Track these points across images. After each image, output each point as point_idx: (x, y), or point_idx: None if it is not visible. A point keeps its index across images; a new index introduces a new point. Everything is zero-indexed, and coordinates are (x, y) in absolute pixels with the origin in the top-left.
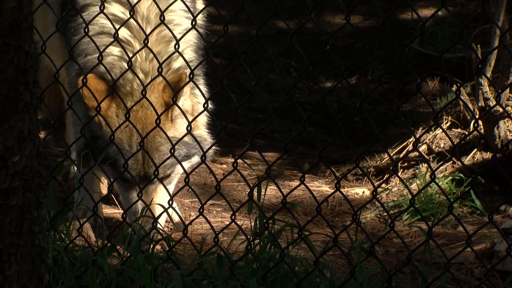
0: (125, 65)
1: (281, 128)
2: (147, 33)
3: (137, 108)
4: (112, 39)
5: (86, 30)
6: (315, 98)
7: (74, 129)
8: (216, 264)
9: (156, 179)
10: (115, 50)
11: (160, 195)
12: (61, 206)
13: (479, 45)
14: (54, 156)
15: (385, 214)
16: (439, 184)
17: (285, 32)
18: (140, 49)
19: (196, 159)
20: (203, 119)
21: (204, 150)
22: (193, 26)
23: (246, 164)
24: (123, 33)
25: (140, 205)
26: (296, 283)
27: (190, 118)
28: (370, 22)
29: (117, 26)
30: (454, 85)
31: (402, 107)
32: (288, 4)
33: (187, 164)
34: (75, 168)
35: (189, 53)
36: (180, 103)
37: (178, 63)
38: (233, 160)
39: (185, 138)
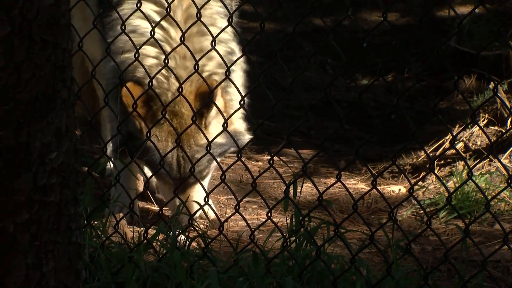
0: (163, 71)
1: (317, 125)
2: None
3: (171, 117)
4: (143, 40)
5: (123, 27)
6: (352, 95)
7: (110, 124)
8: (252, 262)
9: (191, 178)
10: (152, 52)
11: (196, 192)
12: (98, 203)
13: None
14: (91, 153)
15: (422, 211)
16: (476, 181)
17: (322, 29)
18: (175, 47)
19: (232, 149)
20: (237, 113)
21: (241, 143)
22: (230, 23)
23: (282, 162)
24: (157, 35)
25: (177, 201)
26: (332, 280)
27: (225, 114)
28: (407, 19)
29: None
30: (491, 83)
31: (439, 105)
32: (324, 1)
33: (219, 159)
34: (112, 165)
35: (214, 62)
36: (214, 107)
37: (209, 66)
38: (269, 157)
39: (219, 139)
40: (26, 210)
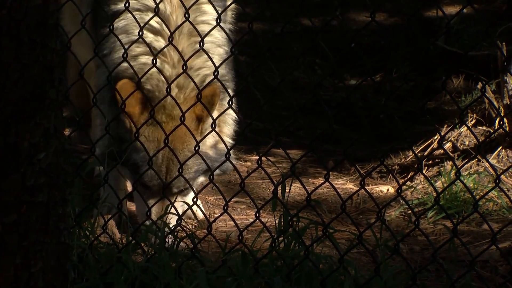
0: (163, 78)
1: (305, 125)
2: (180, 44)
3: (167, 120)
4: (145, 48)
5: (112, 27)
6: (340, 95)
7: (100, 127)
8: (241, 262)
9: (174, 190)
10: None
11: (177, 204)
12: (86, 203)
13: (504, 43)
14: (79, 153)
15: (410, 211)
16: (464, 181)
17: (310, 29)
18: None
19: (217, 172)
20: (229, 130)
21: (224, 165)
22: (218, 23)
23: (270, 162)
24: (160, 43)
25: (154, 211)
26: (320, 280)
27: (217, 129)
28: (395, 19)
29: (151, 35)
30: (479, 83)
31: (427, 105)
32: (313, 2)
33: (204, 177)
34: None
35: (222, 67)
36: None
37: (211, 76)
38: (257, 157)
39: (209, 152)
40: (14, 210)
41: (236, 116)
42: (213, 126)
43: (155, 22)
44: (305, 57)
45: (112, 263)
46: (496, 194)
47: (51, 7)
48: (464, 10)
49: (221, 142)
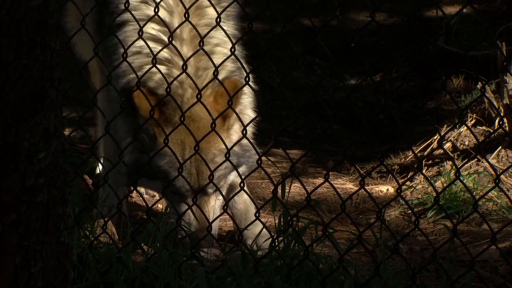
0: (174, 82)
1: (305, 125)
2: (183, 50)
3: (188, 122)
4: (149, 59)
5: (125, 54)
6: (340, 95)
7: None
8: (240, 262)
9: (209, 191)
10: (162, 68)
11: (215, 204)
12: (86, 203)
13: (504, 43)
14: (79, 153)
15: (410, 211)
16: (464, 181)
17: (310, 29)
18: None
19: (243, 168)
20: (249, 128)
21: (250, 158)
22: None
23: (270, 162)
24: (163, 53)
25: (192, 215)
26: (320, 280)
27: (239, 126)
28: (395, 19)
29: (153, 45)
30: (479, 83)
31: (427, 105)
32: (313, 2)
33: (234, 175)
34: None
35: (230, 63)
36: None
37: (223, 74)
38: (257, 157)
39: (235, 148)
40: (14, 210)
41: (253, 116)
42: (213, 126)
43: (155, 31)
44: (305, 57)
45: (112, 263)
46: (495, 194)
47: (51, 7)
48: (464, 10)
49: (244, 139)
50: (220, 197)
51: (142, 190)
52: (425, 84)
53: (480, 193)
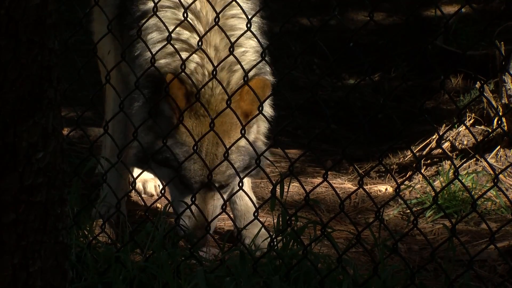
0: (206, 72)
1: (304, 125)
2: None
3: (213, 115)
4: (180, 45)
5: (168, 38)
6: (338, 95)
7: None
8: (239, 261)
9: (215, 185)
10: (195, 57)
11: (216, 203)
12: (85, 202)
13: (502, 42)
14: (79, 153)
15: (408, 211)
16: (462, 181)
17: (309, 29)
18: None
19: (253, 172)
20: (263, 128)
21: (260, 162)
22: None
23: (269, 161)
24: (195, 40)
25: (194, 209)
26: (319, 280)
27: (256, 126)
28: (393, 19)
29: (185, 31)
30: (478, 82)
31: (425, 104)
32: (311, 1)
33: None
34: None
35: (256, 58)
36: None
37: (251, 71)
38: (268, 161)
39: (250, 148)
40: (12, 210)
41: (272, 114)
42: (243, 133)
43: (187, 19)
44: (304, 56)
45: (110, 263)
46: (494, 193)
47: (49, 6)
48: (463, 10)
49: (258, 140)
50: (225, 197)
51: (140, 189)
52: (423, 83)
53: (479, 193)
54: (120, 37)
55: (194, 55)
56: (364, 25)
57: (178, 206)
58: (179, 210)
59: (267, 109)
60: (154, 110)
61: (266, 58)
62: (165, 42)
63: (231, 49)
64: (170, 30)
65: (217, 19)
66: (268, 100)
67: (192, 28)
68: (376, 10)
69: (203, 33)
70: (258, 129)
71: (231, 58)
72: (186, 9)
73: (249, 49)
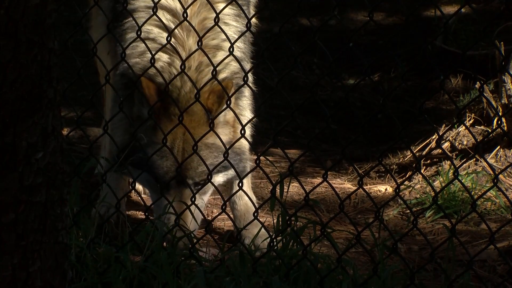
0: (174, 71)
1: (304, 125)
2: (189, 41)
3: (183, 115)
4: (155, 45)
5: (139, 33)
6: (338, 95)
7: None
8: (239, 261)
9: (189, 182)
10: (164, 56)
11: (197, 203)
12: (84, 203)
13: (502, 42)
14: (78, 153)
15: (408, 211)
16: (462, 181)
17: (308, 29)
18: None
19: (231, 172)
20: (247, 131)
21: (241, 163)
22: (249, 29)
23: (268, 161)
24: (163, 39)
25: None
26: (318, 280)
27: (231, 130)
28: (393, 19)
29: (162, 33)
30: (477, 82)
31: (425, 104)
32: (311, 1)
33: (223, 177)
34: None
35: (235, 63)
36: (223, 113)
37: (224, 73)
38: (255, 157)
39: (218, 147)
40: (12, 210)
41: (250, 117)
42: (211, 125)
43: (164, 19)
44: (303, 56)
45: (110, 263)
46: (494, 193)
47: (49, 6)
48: (462, 10)
49: (238, 142)
50: (204, 197)
51: (140, 189)
52: (423, 83)
53: (479, 193)
54: (115, 36)
55: (163, 54)
56: (364, 25)
57: (156, 206)
58: (158, 211)
59: (247, 114)
60: (129, 111)
61: (248, 64)
62: (139, 42)
63: (199, 44)
64: (147, 30)
65: (185, 14)
66: (248, 105)
67: (165, 27)
68: (375, 10)
69: (178, 34)
70: (235, 133)
71: (203, 59)
72: (155, 7)
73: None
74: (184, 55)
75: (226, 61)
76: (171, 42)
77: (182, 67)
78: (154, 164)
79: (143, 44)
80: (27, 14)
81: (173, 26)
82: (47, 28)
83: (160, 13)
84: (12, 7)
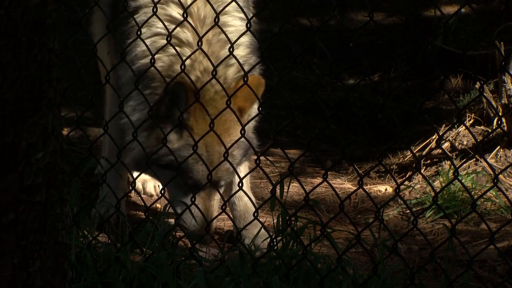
0: (202, 68)
1: (304, 125)
2: (201, 35)
3: (214, 113)
4: (175, 41)
5: (139, 33)
6: (338, 95)
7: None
8: (239, 261)
9: (222, 183)
10: (188, 52)
11: (217, 200)
12: (84, 203)
13: (502, 42)
14: (78, 153)
15: (408, 211)
16: (462, 181)
17: (308, 29)
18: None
19: (247, 164)
20: (252, 122)
21: (258, 162)
22: (248, 28)
23: (268, 161)
24: (185, 35)
25: (197, 210)
26: (318, 280)
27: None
28: (393, 19)
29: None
30: (477, 82)
31: (425, 104)
32: (311, 1)
33: (244, 168)
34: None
35: (252, 56)
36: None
37: (245, 67)
38: (255, 157)
39: (243, 144)
40: (12, 210)
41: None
42: (243, 132)
43: (177, 14)
44: (303, 56)
45: (110, 263)
46: (494, 193)
47: (49, 6)
48: (462, 10)
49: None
50: (218, 195)
51: (140, 189)
52: (423, 83)
53: (479, 193)
54: (114, 35)
55: (187, 50)
56: (364, 25)
57: (180, 206)
58: (180, 210)
59: (256, 106)
60: (155, 113)
61: (254, 56)
62: (154, 38)
63: (231, 49)
64: (160, 26)
65: (216, 18)
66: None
67: (182, 24)
68: (375, 10)
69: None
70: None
71: (223, 52)
72: (155, 5)
73: (240, 45)
74: (205, 49)
75: (241, 54)
76: (191, 38)
77: (213, 73)
78: (190, 167)
79: (162, 40)
80: (27, 14)
81: (188, 20)
82: (47, 28)
83: (171, 7)
84: (12, 7)
